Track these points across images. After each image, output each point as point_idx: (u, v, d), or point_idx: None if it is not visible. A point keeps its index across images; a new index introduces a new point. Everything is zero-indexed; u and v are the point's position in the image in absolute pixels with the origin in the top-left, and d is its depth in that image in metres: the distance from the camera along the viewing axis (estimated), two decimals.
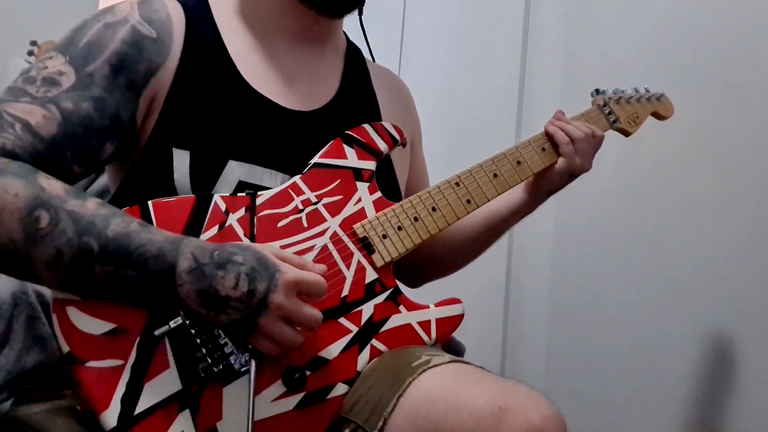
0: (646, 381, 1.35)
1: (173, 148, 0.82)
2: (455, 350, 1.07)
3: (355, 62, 1.02)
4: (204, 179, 0.82)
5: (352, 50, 1.04)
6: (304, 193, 0.85)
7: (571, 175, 1.01)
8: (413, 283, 1.09)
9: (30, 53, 1.59)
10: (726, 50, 1.29)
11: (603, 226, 1.48)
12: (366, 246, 0.86)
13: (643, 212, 1.41)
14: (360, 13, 1.00)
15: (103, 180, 1.18)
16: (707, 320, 1.26)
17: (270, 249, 0.75)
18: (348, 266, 0.84)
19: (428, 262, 1.07)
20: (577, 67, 1.62)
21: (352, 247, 0.85)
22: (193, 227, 0.78)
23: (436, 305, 0.87)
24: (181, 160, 0.82)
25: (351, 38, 1.06)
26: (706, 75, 1.31)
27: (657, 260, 1.36)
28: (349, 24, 1.02)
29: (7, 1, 1.77)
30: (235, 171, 0.83)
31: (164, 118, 0.83)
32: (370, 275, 0.85)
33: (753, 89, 1.24)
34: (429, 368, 0.75)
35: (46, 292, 0.86)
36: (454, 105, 1.83)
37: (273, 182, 0.85)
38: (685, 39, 1.36)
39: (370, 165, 0.90)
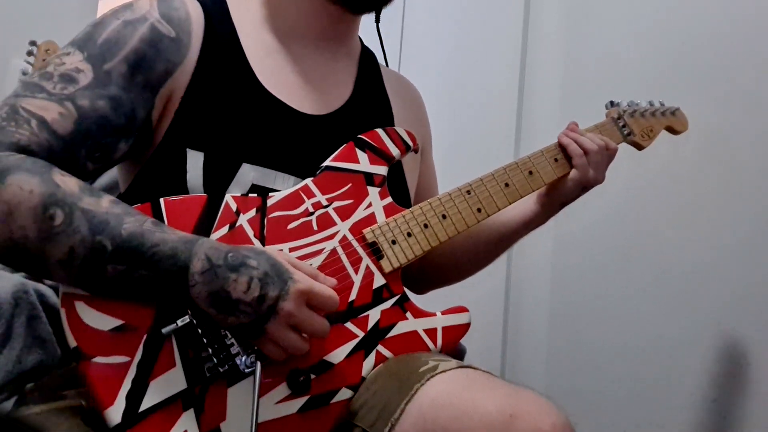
0: (646, 382, 1.34)
1: (187, 149, 0.82)
2: (457, 352, 1.06)
3: (368, 66, 1.02)
4: (217, 181, 0.82)
5: (366, 54, 1.04)
6: (315, 195, 0.85)
7: (584, 187, 1.01)
8: (419, 289, 1.09)
9: (29, 53, 1.60)
10: (728, 53, 1.28)
11: (603, 227, 1.48)
12: (375, 251, 0.85)
13: (642, 213, 1.41)
14: (377, 20, 1.00)
15: (105, 178, 1.19)
16: (707, 321, 1.26)
17: (284, 256, 0.75)
18: (356, 271, 0.84)
19: (436, 269, 1.07)
20: (576, 70, 1.62)
21: (360, 251, 0.85)
22: (204, 226, 0.78)
23: (443, 313, 0.87)
24: (195, 162, 0.82)
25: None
26: (707, 77, 1.31)
27: (657, 261, 1.36)
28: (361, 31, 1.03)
29: (7, 1, 1.78)
30: (248, 174, 0.83)
31: (179, 118, 0.83)
32: (378, 281, 0.85)
33: (753, 91, 1.23)
34: (437, 374, 0.74)
35: (48, 291, 0.87)
36: (453, 108, 1.83)
37: (286, 186, 0.85)
38: (685, 42, 1.36)
39: (382, 170, 0.90)
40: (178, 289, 0.71)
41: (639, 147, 1.12)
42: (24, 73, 1.60)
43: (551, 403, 0.70)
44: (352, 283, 0.83)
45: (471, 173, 0.96)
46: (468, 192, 0.93)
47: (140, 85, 0.81)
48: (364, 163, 0.89)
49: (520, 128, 1.71)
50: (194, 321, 0.73)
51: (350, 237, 0.85)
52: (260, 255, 0.73)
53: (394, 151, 0.92)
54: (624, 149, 1.11)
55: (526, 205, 1.03)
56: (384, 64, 1.09)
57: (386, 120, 0.99)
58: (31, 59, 1.61)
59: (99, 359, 0.70)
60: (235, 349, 0.73)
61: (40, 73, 0.78)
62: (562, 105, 1.63)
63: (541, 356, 1.59)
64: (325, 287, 0.74)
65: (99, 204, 0.71)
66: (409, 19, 2.05)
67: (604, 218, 1.48)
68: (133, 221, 0.71)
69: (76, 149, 0.76)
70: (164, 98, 0.83)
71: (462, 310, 0.88)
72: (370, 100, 0.99)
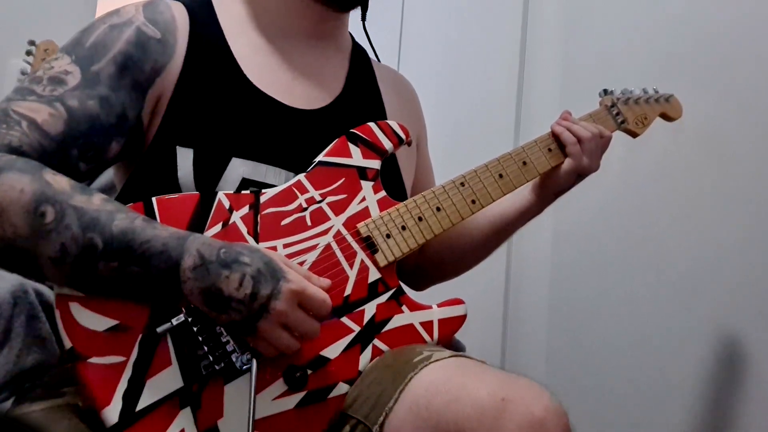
0: (646, 379, 1.34)
1: (177, 147, 0.82)
2: (455, 349, 1.07)
3: (360, 61, 1.02)
4: (207, 177, 0.82)
5: (358, 50, 1.03)
6: (308, 191, 0.85)
7: (579, 175, 1.01)
8: (417, 286, 1.09)
9: (28, 53, 1.60)
10: (726, 49, 1.28)
11: (602, 224, 1.48)
12: (369, 245, 0.85)
13: (642, 210, 1.41)
14: (363, 18, 1.00)
15: (102, 179, 1.19)
16: (707, 319, 1.26)
17: (279, 256, 0.75)
18: (351, 265, 0.84)
19: (433, 264, 1.07)
20: (575, 66, 1.62)
21: (355, 246, 0.85)
22: (197, 224, 0.78)
23: (439, 306, 0.87)
24: (185, 159, 0.82)
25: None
26: (706, 74, 1.31)
27: (656, 259, 1.36)
28: (352, 28, 1.03)
29: (7, 1, 1.78)
30: (238, 168, 0.83)
31: (169, 117, 0.84)
32: (373, 275, 0.85)
33: (753, 88, 1.23)
34: (430, 363, 0.75)
35: (46, 291, 0.87)
36: (453, 103, 1.83)
37: (277, 179, 0.85)
38: (685, 38, 1.36)
39: (375, 164, 0.90)
40: (170, 285, 0.71)
41: (633, 134, 1.12)
42: (23, 73, 1.61)
43: (544, 388, 0.70)
44: (347, 277, 0.83)
45: (471, 167, 0.95)
46: (462, 184, 0.93)
47: (129, 86, 0.81)
48: (356, 157, 0.89)
49: (519, 123, 1.71)
50: (189, 319, 0.73)
51: (344, 232, 0.85)
52: (254, 253, 0.73)
53: (387, 144, 0.91)
54: (621, 140, 1.11)
55: (522, 195, 1.03)
56: (375, 59, 1.09)
57: (378, 114, 0.99)
58: (30, 59, 1.61)
59: (95, 359, 0.70)
60: (230, 347, 0.73)
61: (30, 78, 0.80)
62: (560, 100, 1.63)
63: (540, 352, 1.59)
64: (318, 290, 0.74)
65: (90, 201, 0.71)
66: (409, 14, 2.05)
67: (602, 212, 1.48)
68: (123, 218, 0.71)
69: (68, 149, 0.77)
70: (153, 99, 0.84)
71: (458, 302, 0.88)
72: (362, 94, 0.99)
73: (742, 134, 1.24)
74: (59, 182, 0.72)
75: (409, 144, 0.95)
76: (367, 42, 1.05)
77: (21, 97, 0.77)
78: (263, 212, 0.82)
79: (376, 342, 0.82)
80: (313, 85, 0.93)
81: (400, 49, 2.03)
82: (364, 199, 0.88)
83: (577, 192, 1.03)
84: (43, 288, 0.88)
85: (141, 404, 0.70)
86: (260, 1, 0.94)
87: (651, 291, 1.36)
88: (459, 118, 1.81)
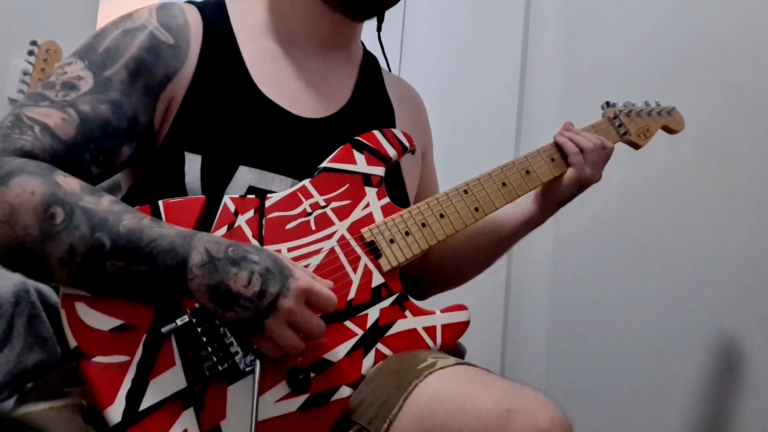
0: (646, 382, 1.34)
1: (185, 152, 0.83)
2: (456, 352, 1.07)
3: (370, 70, 1.03)
4: (215, 183, 0.83)
5: (368, 59, 1.05)
6: (312, 196, 0.86)
7: (581, 185, 1.01)
8: (420, 295, 1.08)
9: (30, 53, 1.61)
10: (725, 54, 1.29)
11: (603, 227, 1.49)
12: (373, 250, 0.86)
13: (642, 212, 1.41)
14: (379, 29, 1.01)
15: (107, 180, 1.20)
16: (707, 320, 1.26)
17: (284, 256, 0.76)
18: (355, 270, 0.84)
19: (437, 272, 1.07)
20: (576, 71, 1.63)
21: (359, 251, 0.85)
22: (203, 227, 0.78)
23: (442, 311, 0.87)
24: (193, 164, 0.83)
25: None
26: (705, 78, 1.32)
27: (657, 260, 1.37)
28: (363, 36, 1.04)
29: (9, 2, 1.79)
30: (245, 176, 0.84)
31: (178, 122, 0.85)
32: (377, 279, 0.85)
33: (753, 92, 1.24)
34: (435, 370, 0.75)
35: (48, 291, 0.87)
36: (454, 109, 1.84)
37: (283, 188, 0.86)
38: (686, 43, 1.37)
39: (379, 171, 0.91)
40: (176, 283, 0.71)
41: (635, 146, 1.13)
42: (25, 73, 1.61)
43: (549, 399, 0.70)
44: (351, 282, 0.83)
45: (472, 174, 0.96)
46: (465, 191, 0.94)
47: (141, 91, 0.82)
48: (361, 164, 0.90)
49: (521, 130, 1.72)
50: (193, 320, 0.73)
51: (348, 236, 0.85)
52: (262, 251, 0.74)
53: (391, 152, 0.92)
54: (623, 149, 1.12)
55: (524, 204, 1.04)
56: (386, 69, 1.10)
57: (388, 122, 1.00)
58: (32, 59, 1.62)
59: (99, 359, 0.70)
60: (234, 348, 0.74)
61: (43, 83, 0.81)
62: (562, 107, 1.64)
63: (541, 356, 1.59)
64: (325, 288, 0.75)
65: (99, 203, 0.72)
66: (410, 20, 2.07)
67: (603, 218, 1.48)
68: (131, 218, 0.72)
69: (80, 153, 0.77)
70: (165, 104, 0.85)
71: (461, 308, 0.88)
72: (371, 103, 1.00)
73: (743, 142, 1.25)
74: (69, 184, 0.72)
75: (413, 152, 0.96)
76: (381, 51, 1.06)
77: (34, 103, 0.78)
78: (268, 216, 0.82)
79: (379, 346, 0.82)
80: (321, 93, 0.94)
81: (401, 56, 2.04)
82: (368, 205, 0.88)
83: (579, 201, 1.04)
84: (44, 288, 0.89)
85: (144, 404, 0.70)
86: (279, 8, 0.95)
87: (650, 298, 1.36)
88: (460, 125, 1.82)
